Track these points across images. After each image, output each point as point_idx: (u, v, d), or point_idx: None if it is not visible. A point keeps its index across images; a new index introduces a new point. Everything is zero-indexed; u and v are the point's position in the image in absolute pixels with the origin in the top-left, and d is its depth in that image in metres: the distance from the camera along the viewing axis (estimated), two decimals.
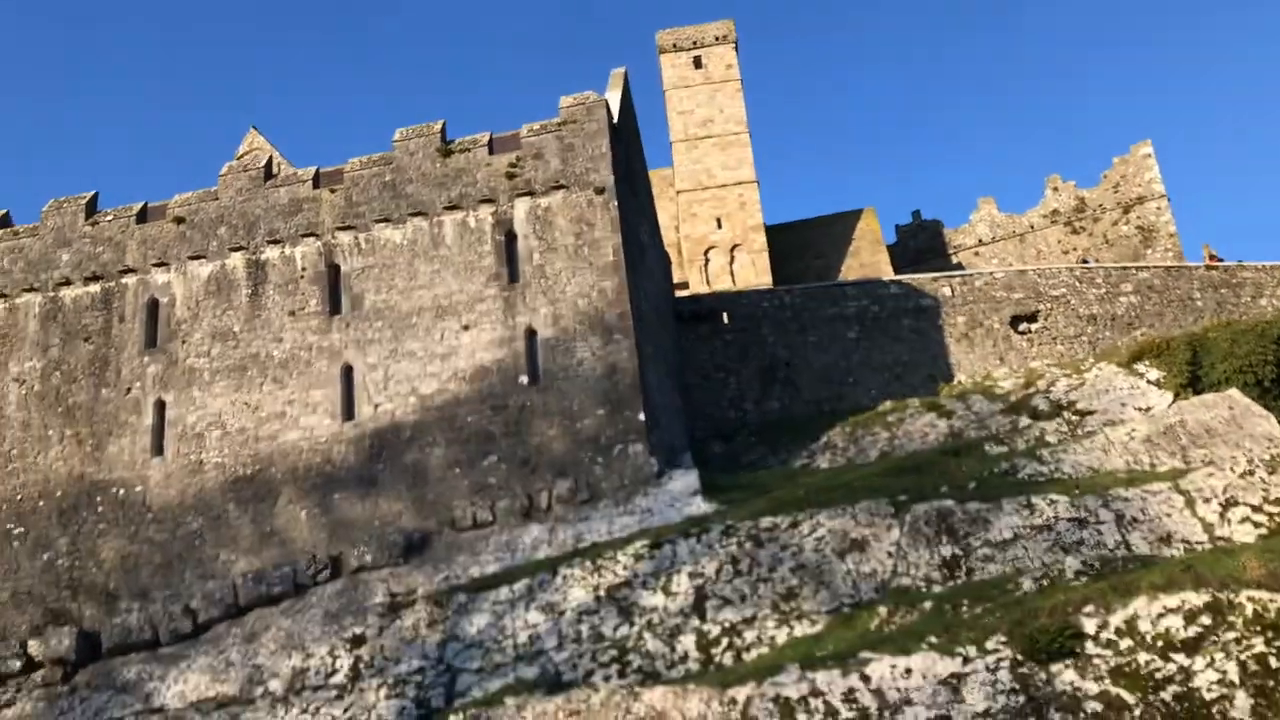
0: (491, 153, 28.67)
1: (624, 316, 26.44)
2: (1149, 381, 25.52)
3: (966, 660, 14.34)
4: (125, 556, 26.14)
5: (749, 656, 18.55)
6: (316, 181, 29.33)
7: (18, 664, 24.81)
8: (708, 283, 50.02)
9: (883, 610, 17.88)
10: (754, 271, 50.46)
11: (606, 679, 18.92)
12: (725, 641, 18.97)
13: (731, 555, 20.44)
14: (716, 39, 55.29)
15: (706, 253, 51.25)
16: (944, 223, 63.87)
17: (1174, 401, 24.76)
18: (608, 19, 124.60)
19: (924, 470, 22.64)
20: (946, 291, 36.27)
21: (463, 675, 20.04)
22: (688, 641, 19.18)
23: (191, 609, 24.75)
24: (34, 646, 25.00)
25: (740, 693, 14.49)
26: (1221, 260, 39.73)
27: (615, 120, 28.82)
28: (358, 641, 21.42)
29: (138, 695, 22.82)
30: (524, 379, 26.24)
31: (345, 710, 19.89)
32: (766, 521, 20.91)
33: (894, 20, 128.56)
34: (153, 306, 28.81)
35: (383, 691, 20.05)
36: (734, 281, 49.67)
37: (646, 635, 19.51)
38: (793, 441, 30.09)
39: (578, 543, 23.45)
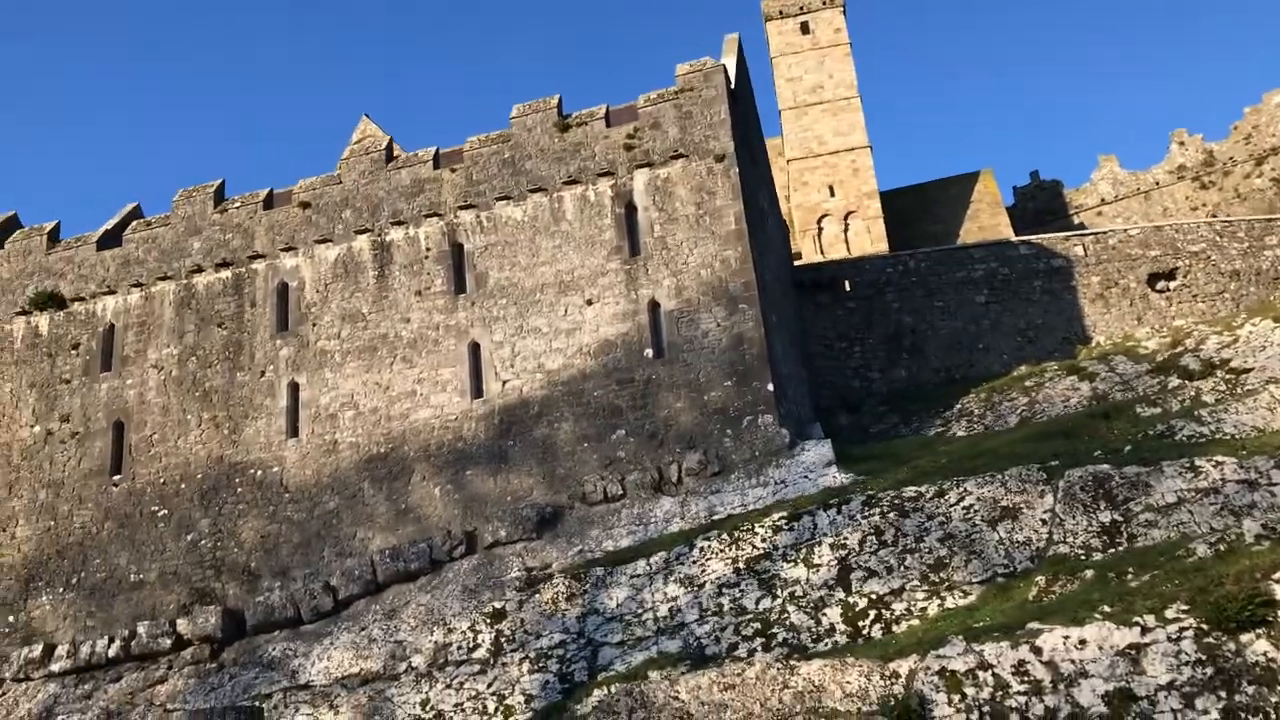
0: (609, 125, 28.38)
1: (748, 286, 25.96)
2: None
3: (1145, 630, 13.60)
4: (265, 536, 26.68)
5: (899, 629, 18.00)
6: (437, 162, 29.42)
7: (168, 642, 25.55)
8: (821, 252, 49.15)
9: (1040, 579, 17.16)
10: (869, 239, 49.44)
11: (751, 652, 18.56)
12: (873, 614, 18.45)
13: (875, 526, 19.87)
14: (824, 3, 54.11)
15: (819, 221, 50.38)
16: (1064, 183, 61.77)
17: None
18: None
19: (1072, 435, 21.73)
20: (1079, 251, 34.89)
21: (604, 649, 19.90)
22: (833, 614, 18.71)
23: (331, 586, 25.13)
24: (182, 625, 25.70)
25: (902, 665, 14.01)
26: None
27: (733, 86, 28.25)
28: (498, 616, 21.45)
29: (284, 672, 23.25)
30: (649, 352, 25.97)
31: (489, 684, 19.92)
32: (910, 491, 20.28)
33: None
34: (282, 290, 29.27)
35: (525, 665, 20.02)
36: (848, 250, 48.71)
37: (790, 608, 19.09)
38: (925, 410, 29.28)
39: (710, 515, 23.13)
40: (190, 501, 27.58)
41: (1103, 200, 60.20)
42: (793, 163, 50.97)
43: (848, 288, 35.00)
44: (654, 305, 26.40)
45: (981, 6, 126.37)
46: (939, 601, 18.20)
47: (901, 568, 18.98)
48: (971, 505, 19.47)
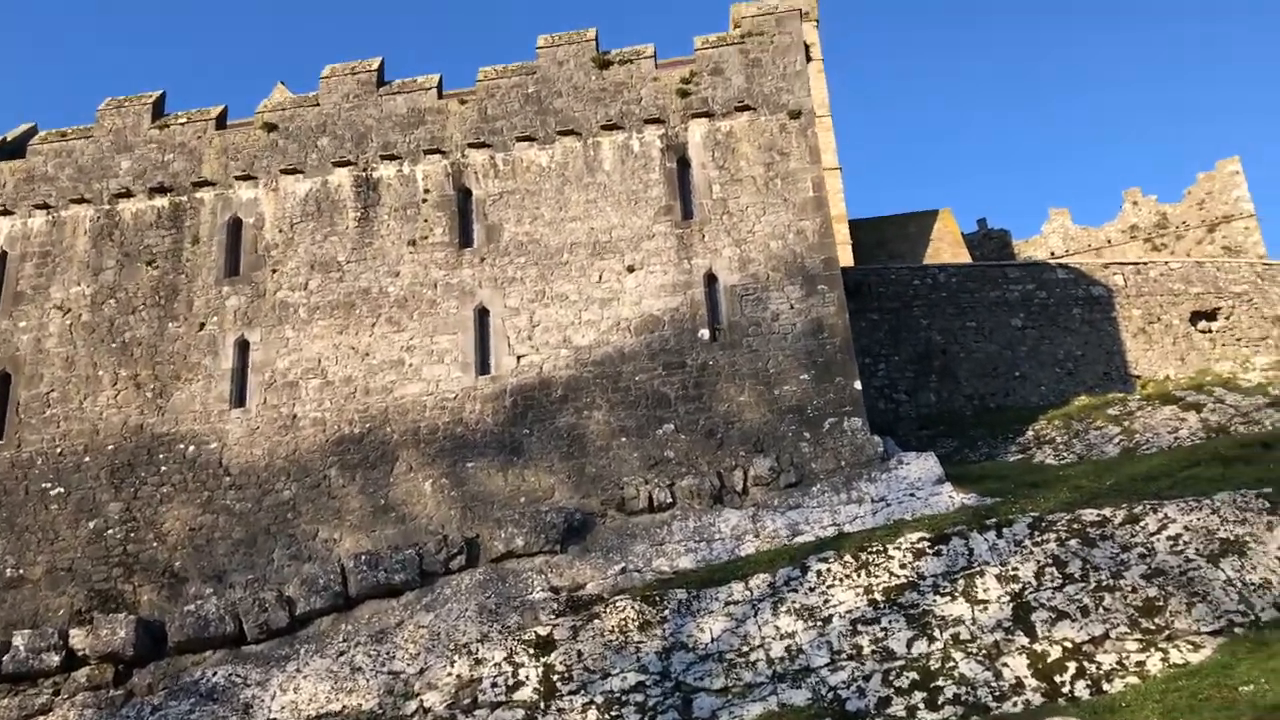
0: (657, 66, 23.86)
1: (830, 264, 21.70)
2: None
3: None
4: (196, 529, 20.82)
5: (1112, 688, 13.74)
6: (440, 91, 24.31)
7: (56, 659, 19.43)
8: None
9: None
10: None
11: (912, 711, 14.01)
12: (1072, 667, 14.13)
13: (1053, 555, 15.61)
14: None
15: None
16: (1010, 233, 59.97)
17: None
18: None
19: (1250, 461, 17.99)
20: (1119, 280, 31.79)
21: (700, 696, 14.98)
22: (1017, 665, 14.32)
23: (287, 598, 19.49)
24: (78, 637, 19.61)
25: None
26: None
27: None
28: (544, 646, 16.27)
29: (230, 705, 17.49)
30: (704, 333, 21.37)
31: None
32: (1091, 514, 16.13)
33: (971, 16, 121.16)
34: (235, 227, 23.59)
35: (592, 714, 14.94)
36: None
37: (955, 654, 14.61)
38: (989, 435, 25.42)
39: (793, 534, 18.59)
40: (97, 479, 21.48)
41: (1052, 254, 58.37)
42: None
43: (874, 298, 31.07)
44: (711, 278, 21.86)
45: (946, 48, 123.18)
46: (1160, 655, 14.01)
47: (1100, 609, 14.73)
48: (1179, 535, 15.42)
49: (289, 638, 19.06)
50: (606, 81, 23.71)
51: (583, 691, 15.30)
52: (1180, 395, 23.92)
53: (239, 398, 22.02)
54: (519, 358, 21.58)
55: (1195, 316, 31.49)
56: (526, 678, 15.73)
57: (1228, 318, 31.46)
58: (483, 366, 21.67)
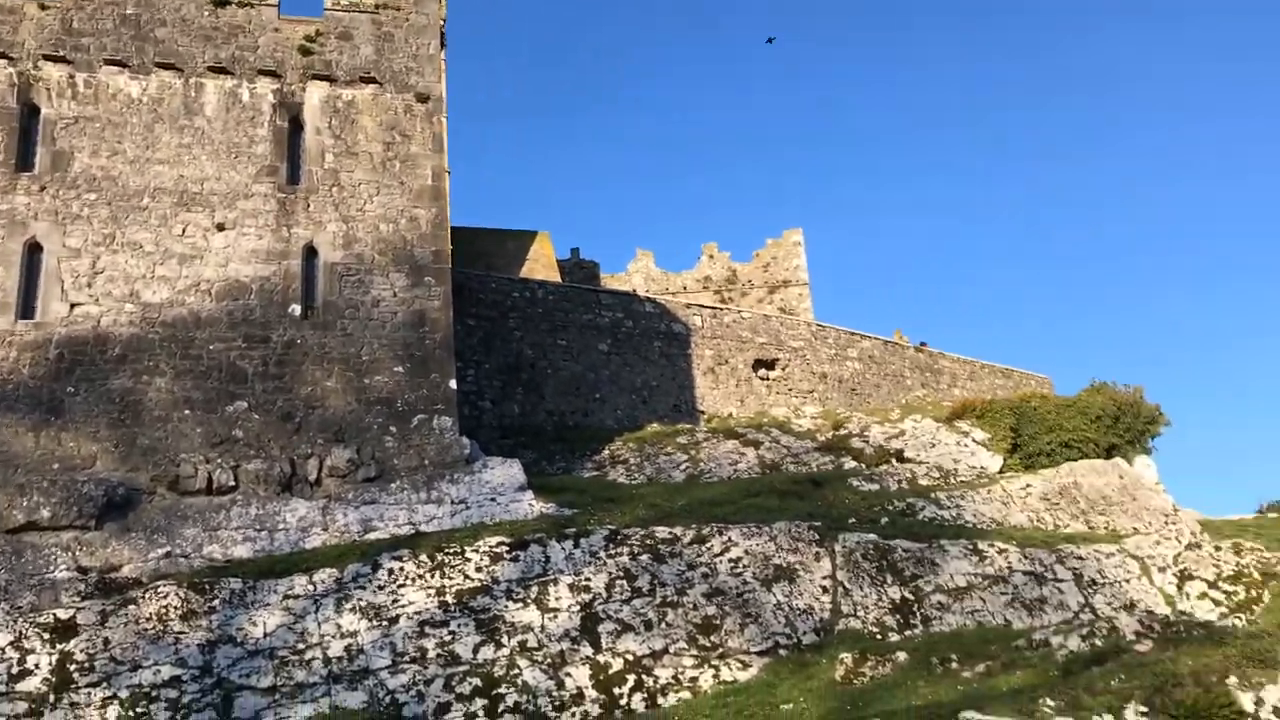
0: (280, 17, 22.15)
1: (440, 256, 21.10)
2: (975, 441, 24.34)
3: None
4: None
5: (666, 702, 14.15)
6: None
7: None
8: None
9: (846, 657, 14.24)
10: None
11: (471, 717, 13.61)
12: (631, 679, 14.38)
13: (625, 569, 15.88)
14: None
15: None
16: (599, 265, 62.38)
17: (1004, 465, 23.75)
18: None
19: (802, 496, 19.46)
20: (697, 321, 33.83)
21: (243, 695, 13.63)
22: (580, 675, 14.36)
23: None
24: None
25: None
26: (926, 345, 40.82)
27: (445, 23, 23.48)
28: (64, 631, 14.10)
29: None
30: (295, 309, 19.94)
31: None
32: (664, 532, 16.60)
33: (578, 54, 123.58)
34: None
35: (112, 711, 13.13)
36: None
37: (521, 662, 14.39)
38: (567, 450, 25.79)
39: (365, 531, 17.71)
40: None
41: (634, 291, 61.38)
42: None
43: (472, 303, 30.74)
44: (311, 251, 20.47)
45: (555, 72, 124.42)
46: (713, 672, 14.63)
47: (663, 624, 15.15)
48: (740, 559, 16.25)
49: None
50: (221, 21, 21.64)
51: (105, 684, 13.42)
52: (742, 432, 25.58)
53: None
54: (73, 306, 18.94)
55: (758, 364, 34.11)
56: (37, 666, 13.55)
57: (784, 369, 34.37)
58: (26, 310, 18.80)
